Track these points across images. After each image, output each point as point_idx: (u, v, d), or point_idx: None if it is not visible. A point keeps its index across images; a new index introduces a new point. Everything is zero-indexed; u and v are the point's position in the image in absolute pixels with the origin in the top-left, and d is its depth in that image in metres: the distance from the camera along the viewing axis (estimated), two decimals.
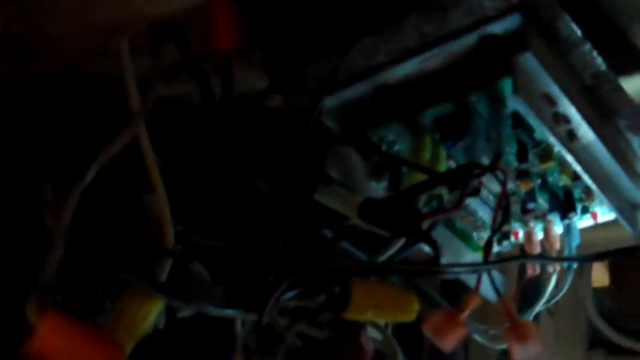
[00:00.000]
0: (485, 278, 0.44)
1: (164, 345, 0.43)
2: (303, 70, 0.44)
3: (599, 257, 0.47)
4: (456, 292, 0.48)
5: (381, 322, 0.49)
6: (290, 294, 0.42)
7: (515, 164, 0.46)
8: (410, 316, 0.39)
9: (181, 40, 0.38)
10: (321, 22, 0.44)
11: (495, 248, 0.53)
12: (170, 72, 0.39)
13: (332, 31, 0.43)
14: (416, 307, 0.39)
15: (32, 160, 0.41)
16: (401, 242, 0.44)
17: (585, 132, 0.43)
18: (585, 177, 0.43)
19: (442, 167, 0.46)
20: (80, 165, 0.36)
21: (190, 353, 0.47)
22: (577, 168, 0.43)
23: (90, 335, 0.35)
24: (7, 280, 0.39)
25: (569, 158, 0.42)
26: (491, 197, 0.51)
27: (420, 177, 0.45)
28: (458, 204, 0.42)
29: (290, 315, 0.42)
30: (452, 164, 0.47)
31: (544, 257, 0.49)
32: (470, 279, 0.48)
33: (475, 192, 0.49)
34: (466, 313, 0.42)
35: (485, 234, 0.53)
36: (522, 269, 0.50)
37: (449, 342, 0.41)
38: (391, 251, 0.44)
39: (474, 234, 0.54)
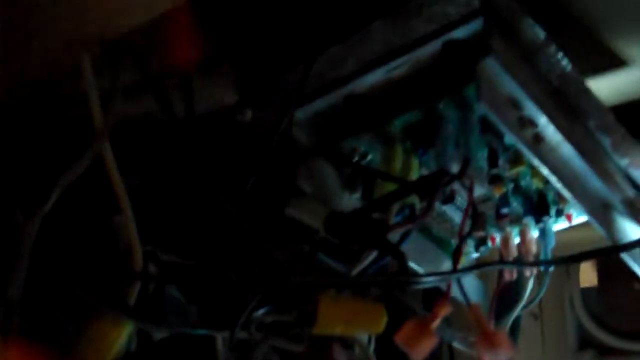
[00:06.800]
0: (468, 283, 0.44)
1: None
2: (272, 83, 0.44)
3: (573, 259, 0.46)
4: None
5: (364, 336, 0.48)
6: (261, 311, 0.42)
7: (487, 169, 0.46)
8: (378, 328, 0.39)
9: (139, 58, 0.38)
10: (288, 33, 0.43)
11: (474, 254, 0.52)
12: (131, 90, 0.39)
13: (299, 42, 0.43)
14: (384, 319, 0.39)
15: (5, 186, 0.40)
16: (373, 254, 0.44)
17: (553, 135, 0.42)
18: (553, 180, 0.43)
19: (415, 175, 0.46)
20: (44, 190, 0.36)
21: None
22: (545, 171, 0.42)
23: None
24: None
25: (536, 162, 0.42)
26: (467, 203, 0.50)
27: (392, 186, 0.45)
28: (425, 213, 0.41)
29: (266, 331, 0.42)
30: (426, 172, 0.47)
31: (519, 262, 0.49)
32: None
33: (450, 199, 0.48)
34: (437, 322, 0.41)
35: None
36: (500, 274, 0.50)
37: (419, 352, 0.41)
38: (364, 263, 0.44)
39: (452, 241, 0.53)
